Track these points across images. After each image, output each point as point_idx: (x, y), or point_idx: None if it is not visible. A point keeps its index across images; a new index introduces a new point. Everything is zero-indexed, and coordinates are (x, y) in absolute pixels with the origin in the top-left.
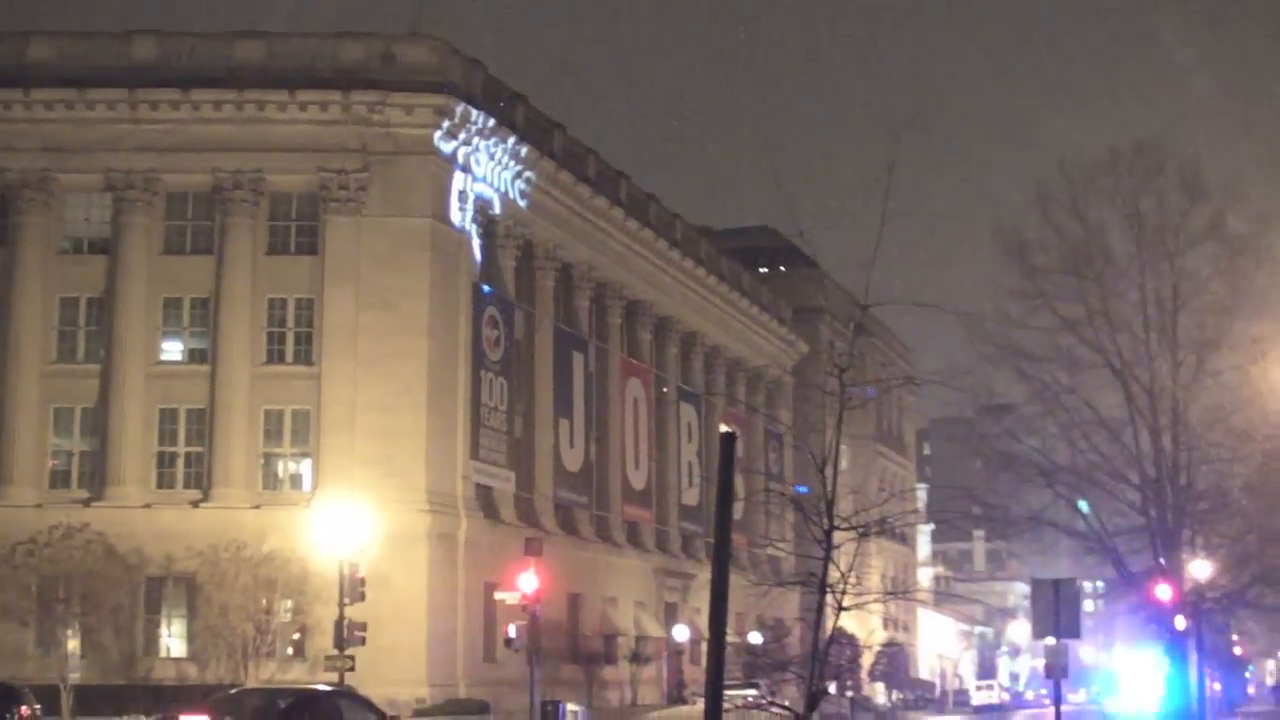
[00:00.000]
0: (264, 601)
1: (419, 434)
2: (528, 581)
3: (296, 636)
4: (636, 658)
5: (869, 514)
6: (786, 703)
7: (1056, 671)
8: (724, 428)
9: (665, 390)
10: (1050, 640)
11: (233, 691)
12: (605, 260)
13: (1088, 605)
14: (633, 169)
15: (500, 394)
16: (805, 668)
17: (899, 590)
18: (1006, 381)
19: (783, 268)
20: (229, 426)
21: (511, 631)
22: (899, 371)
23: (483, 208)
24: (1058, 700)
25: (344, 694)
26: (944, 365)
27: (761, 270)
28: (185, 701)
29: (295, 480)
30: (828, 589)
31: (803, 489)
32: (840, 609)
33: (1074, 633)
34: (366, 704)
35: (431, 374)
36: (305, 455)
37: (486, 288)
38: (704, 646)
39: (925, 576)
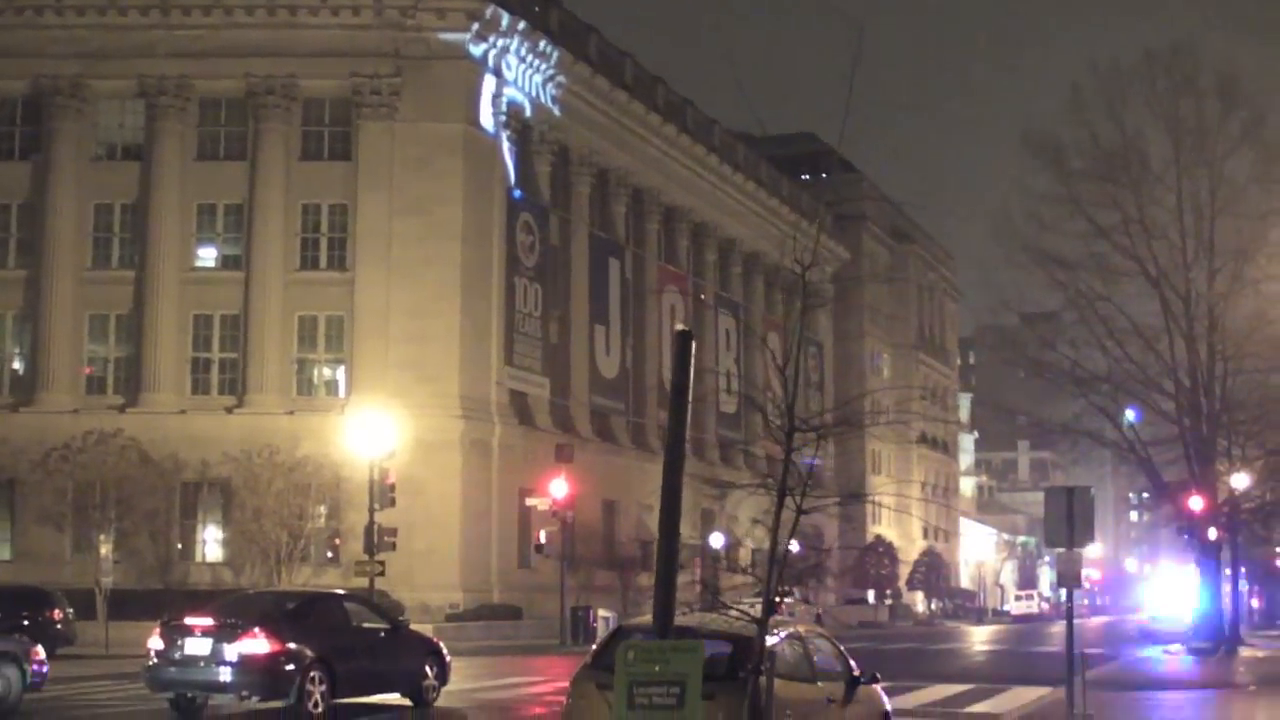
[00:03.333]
0: (298, 507)
1: (453, 340)
2: (559, 487)
3: (334, 542)
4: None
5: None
6: (786, 605)
7: (1069, 580)
8: (678, 327)
9: (703, 298)
10: (1062, 549)
11: (240, 595)
12: (641, 166)
13: (1132, 516)
14: (670, 74)
15: (535, 300)
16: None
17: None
18: (1040, 289)
19: (824, 174)
20: (263, 332)
21: (543, 537)
22: (940, 277)
23: (516, 113)
24: (1070, 612)
25: (352, 597)
26: (980, 273)
27: (803, 177)
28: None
29: (329, 386)
30: (788, 492)
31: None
32: (800, 512)
33: (1085, 542)
34: (375, 607)
35: (465, 280)
36: (339, 361)
37: (520, 194)
38: (742, 554)
39: (968, 485)
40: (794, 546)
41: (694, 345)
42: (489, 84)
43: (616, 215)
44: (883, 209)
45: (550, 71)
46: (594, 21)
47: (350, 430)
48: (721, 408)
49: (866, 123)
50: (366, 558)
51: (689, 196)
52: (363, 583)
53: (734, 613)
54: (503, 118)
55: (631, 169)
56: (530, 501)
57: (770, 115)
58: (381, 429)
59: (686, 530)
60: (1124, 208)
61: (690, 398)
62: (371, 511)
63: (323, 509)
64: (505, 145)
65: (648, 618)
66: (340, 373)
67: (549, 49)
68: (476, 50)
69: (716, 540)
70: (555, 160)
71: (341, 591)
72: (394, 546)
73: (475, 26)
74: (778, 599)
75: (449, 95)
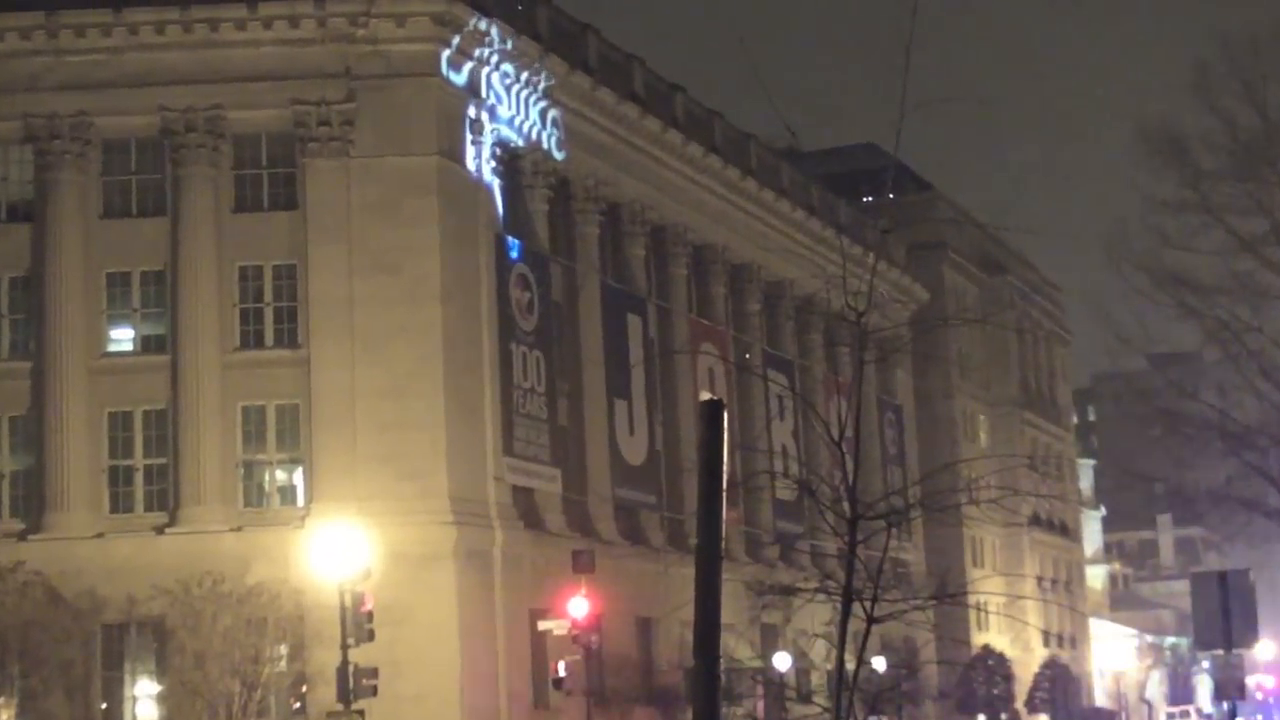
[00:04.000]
0: (251, 648)
1: (437, 427)
2: (579, 606)
3: (300, 689)
4: (728, 694)
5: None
6: None
7: (1230, 690)
8: (705, 395)
9: (748, 356)
10: (1219, 651)
11: None
12: (662, 197)
13: None
14: (691, 81)
15: (537, 372)
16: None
17: (1065, 598)
18: (1171, 323)
19: (891, 195)
20: (197, 430)
21: (562, 669)
22: (1045, 315)
23: (502, 140)
24: None
25: None
26: (1095, 307)
27: (865, 200)
28: None
29: (284, 493)
30: (853, 596)
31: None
32: (870, 620)
33: (1249, 640)
34: None
35: (449, 350)
36: (295, 461)
37: (513, 240)
38: (815, 678)
39: (1097, 576)
40: (878, 664)
41: (726, 416)
42: (466, 105)
43: (634, 260)
44: (967, 234)
45: (541, 84)
46: (592, 19)
47: (314, 547)
48: (778, 494)
49: (940, 126)
50: (341, 708)
51: (723, 231)
52: None
53: None
54: (485, 146)
55: (649, 201)
56: (544, 625)
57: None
58: (353, 543)
59: (744, 651)
60: (1272, 212)
61: (725, 482)
62: (345, 649)
63: (283, 649)
64: (490, 180)
65: None
66: (298, 475)
67: (538, 56)
68: (448, 64)
69: (782, 662)
70: (554, 196)
71: None
72: (375, 691)
73: (444, 34)
74: None
75: (416, 122)
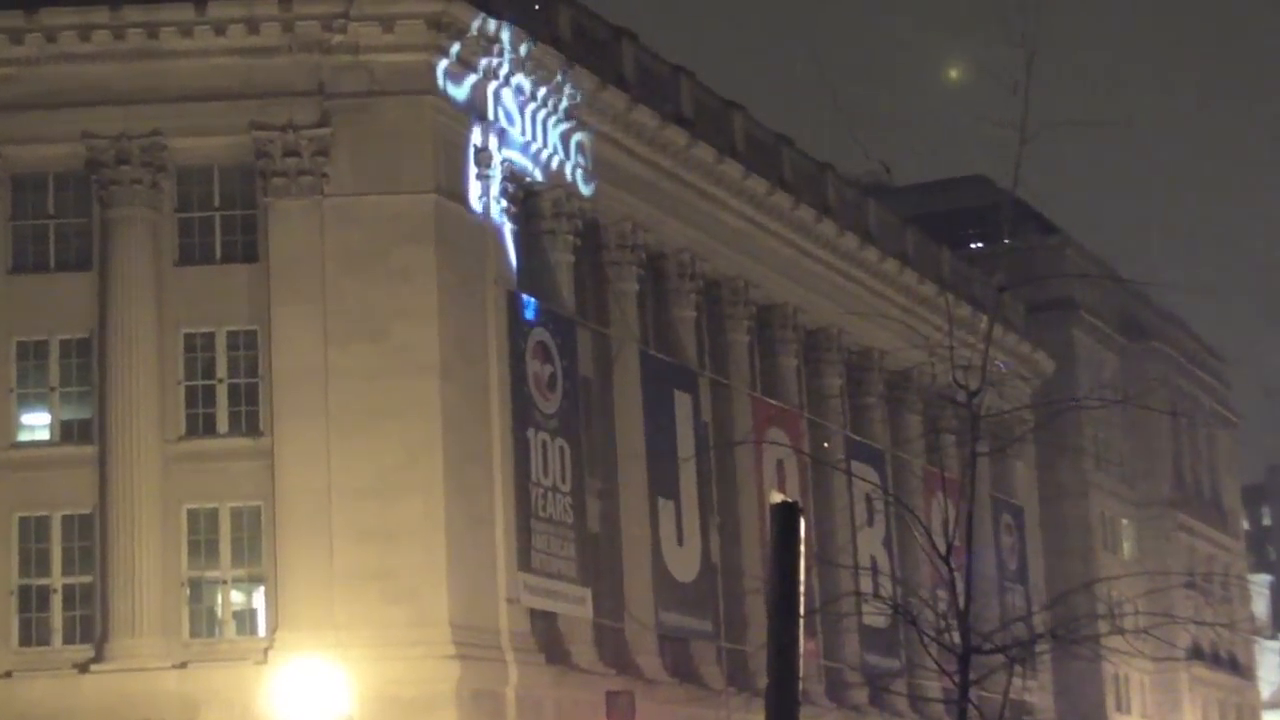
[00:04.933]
0: None
1: (434, 535)
2: None
3: None
4: None
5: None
6: None
7: None
8: (775, 497)
9: (827, 445)
10: None
11: None
12: (717, 245)
13: None
14: (750, 100)
15: (561, 465)
16: None
17: None
18: None
19: (1008, 240)
20: (132, 541)
21: None
22: (1204, 391)
23: (515, 174)
24: None
25: None
26: (1272, 383)
27: (974, 246)
28: None
29: (242, 620)
30: None
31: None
32: None
33: None
34: None
35: (450, 439)
36: (255, 580)
37: (529, 299)
38: None
39: None
40: None
41: (802, 522)
42: (469, 129)
43: (682, 324)
44: (1104, 291)
45: (564, 103)
46: (628, 23)
47: (279, 689)
48: (867, 621)
49: (1068, 155)
50: None
51: (794, 288)
52: None
53: None
54: (494, 181)
55: (700, 249)
56: None
57: (913, 153)
58: (329, 684)
59: None
60: None
61: (801, 605)
62: None
63: None
64: (501, 224)
65: None
66: (259, 597)
67: (559, 67)
68: (446, 77)
69: None
70: (581, 243)
71: None
72: None
73: (441, 41)
74: None
75: (407, 151)
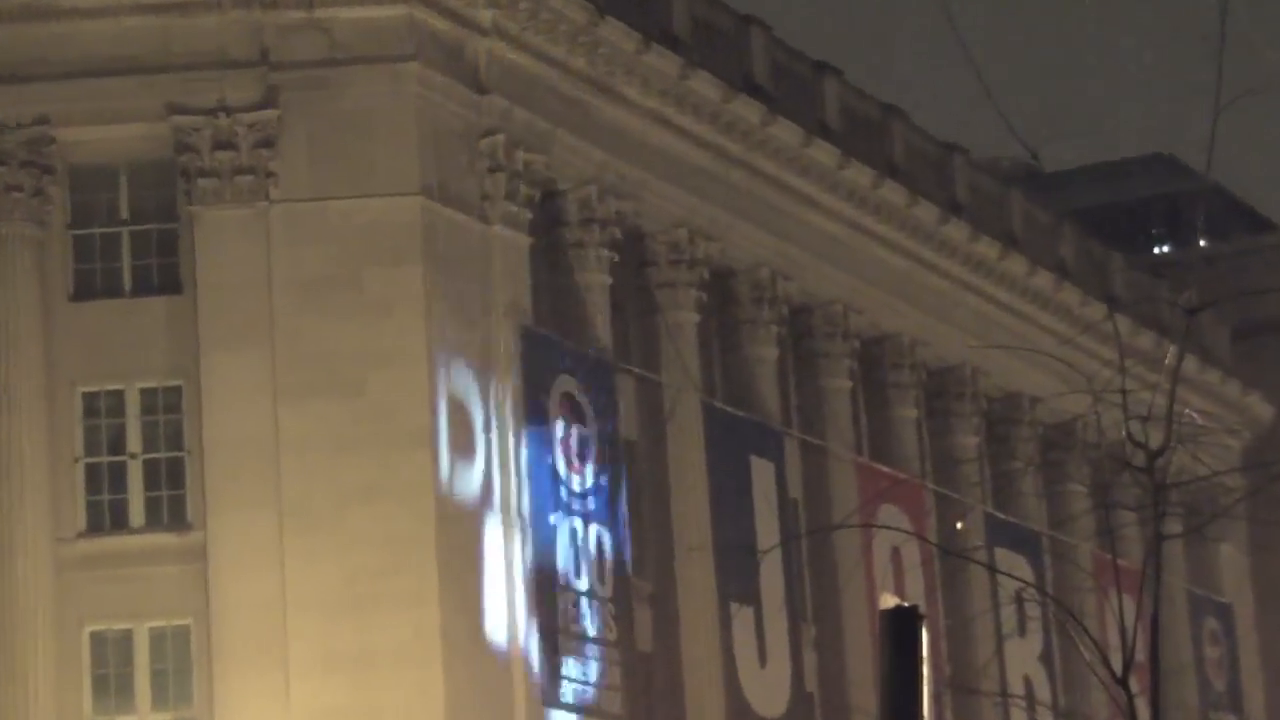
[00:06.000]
0: None
1: (427, 661)
2: None
3: None
4: None
5: None
6: None
7: None
8: (888, 601)
9: (960, 527)
10: None
11: None
12: (803, 256)
13: None
14: (842, 56)
15: (599, 562)
16: None
17: None
18: None
19: (1203, 242)
20: (13, 675)
21: None
22: None
23: (531, 166)
24: None
25: None
26: None
27: (1157, 250)
28: None
29: None
30: None
31: None
32: None
33: None
34: None
35: (446, 530)
36: None
37: (551, 337)
38: None
39: None
40: None
41: (926, 633)
42: (467, 109)
43: (760, 367)
44: None
45: (596, 70)
46: None
47: None
48: None
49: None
50: None
51: (911, 313)
52: None
53: None
54: (502, 178)
55: (781, 264)
56: None
57: (1068, 131)
58: None
59: None
60: None
61: None
62: None
63: None
64: (511, 235)
65: None
66: None
67: (586, 21)
68: (433, 41)
69: None
70: (621, 261)
71: None
72: None
73: None
74: None
75: (384, 139)
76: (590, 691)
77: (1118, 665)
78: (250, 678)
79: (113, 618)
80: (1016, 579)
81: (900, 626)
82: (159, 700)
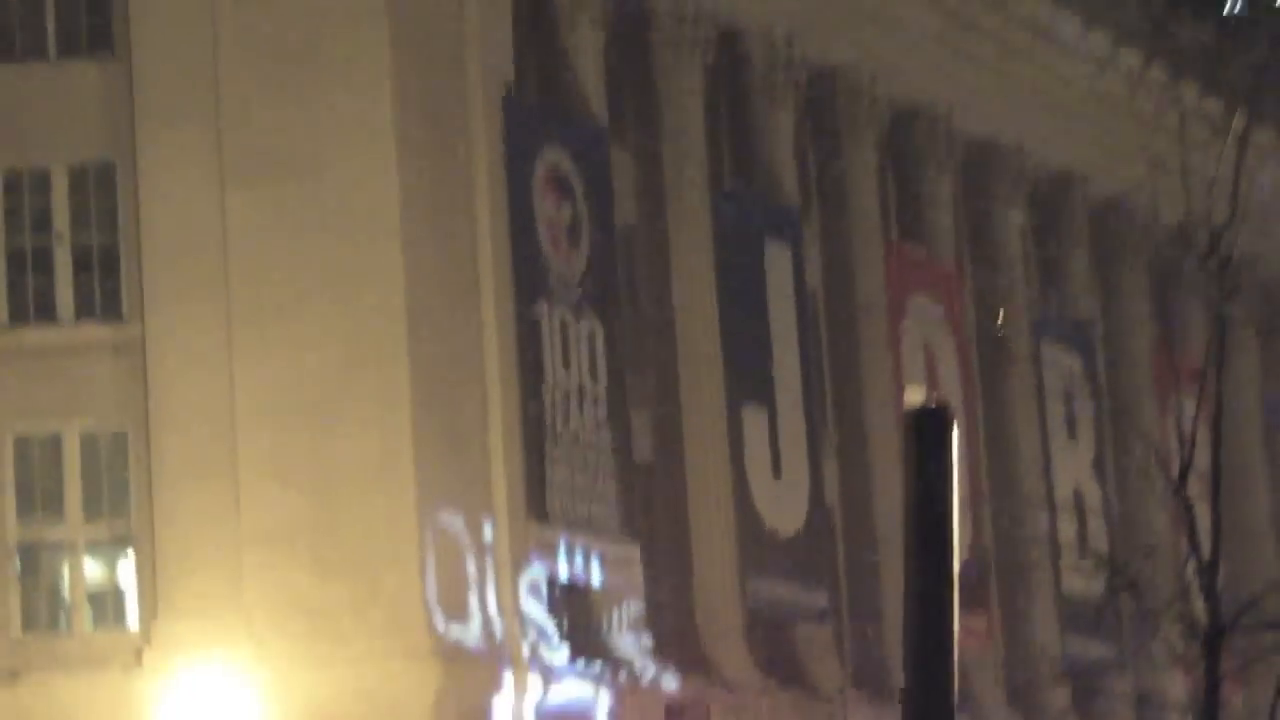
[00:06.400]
0: None
1: (396, 472)
2: None
3: None
4: None
5: None
6: None
7: None
8: (915, 396)
9: (1001, 318)
10: None
11: None
12: (825, 14)
13: None
14: None
15: (591, 358)
16: None
17: None
18: None
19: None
20: None
21: None
22: None
23: None
24: None
25: None
26: None
27: (1230, 10)
28: None
29: (101, 606)
30: None
31: None
32: None
33: None
34: None
35: (419, 323)
36: (121, 545)
37: (536, 102)
38: None
39: None
40: None
41: (956, 436)
42: None
43: (775, 137)
44: None
45: None
46: None
47: (159, 707)
48: (1067, 588)
49: None
50: None
51: (944, 79)
52: None
53: None
54: None
55: (800, 22)
56: None
57: None
58: (232, 699)
59: None
60: None
61: (955, 563)
62: None
63: None
64: None
65: None
66: (126, 571)
67: None
68: None
69: None
70: (616, 15)
71: None
72: None
73: None
74: None
75: None
76: (581, 504)
77: (1176, 473)
78: (194, 492)
79: (39, 420)
80: (1064, 372)
81: (929, 427)
82: (92, 513)
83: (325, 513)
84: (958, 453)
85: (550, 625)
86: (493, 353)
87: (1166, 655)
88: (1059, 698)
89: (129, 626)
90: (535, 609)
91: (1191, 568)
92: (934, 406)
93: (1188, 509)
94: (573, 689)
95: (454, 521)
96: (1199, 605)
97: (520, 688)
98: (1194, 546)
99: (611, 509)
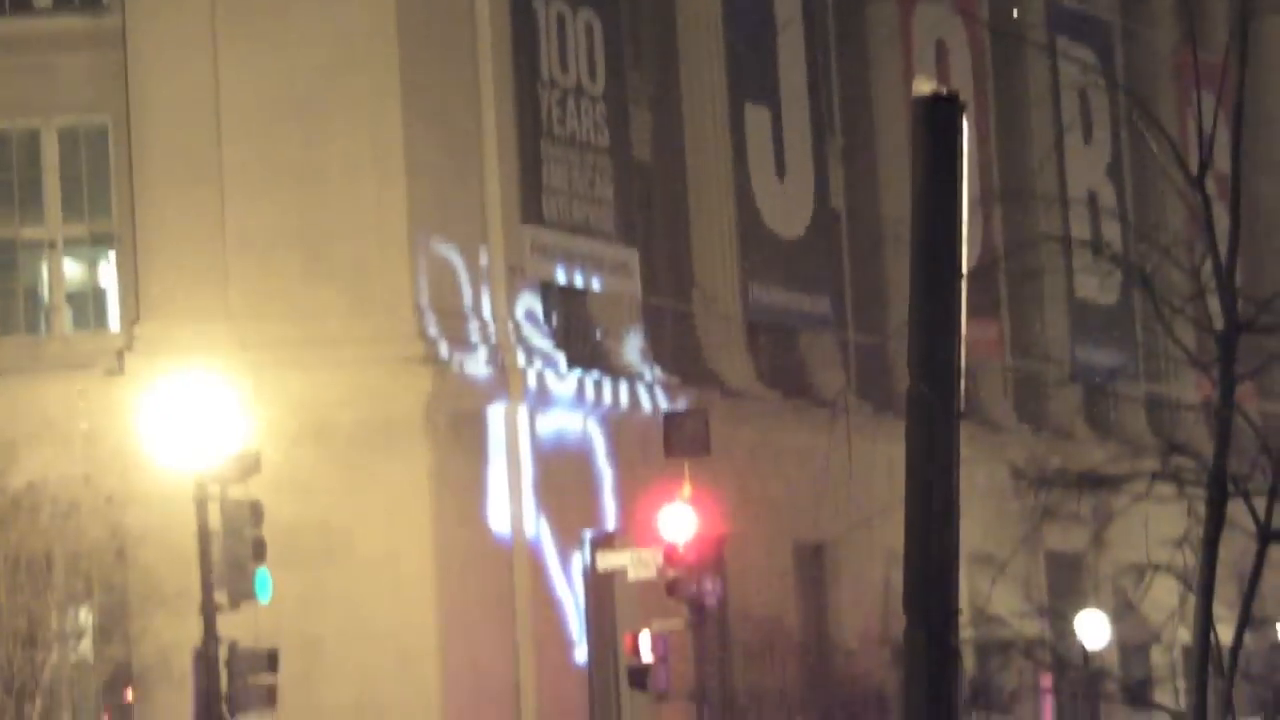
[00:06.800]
0: (21, 609)
1: (387, 169)
2: (679, 520)
3: (118, 686)
4: (982, 690)
5: None
6: None
7: None
8: (923, 86)
9: (1015, 11)
10: None
11: None
12: None
13: None
14: None
15: (589, 53)
16: None
17: None
18: None
19: None
20: None
21: (646, 649)
22: None
23: None
24: None
25: None
26: None
27: None
28: None
29: (82, 307)
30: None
31: None
32: (1265, 534)
33: None
34: None
35: (408, 13)
36: (101, 243)
37: None
38: (1154, 655)
39: None
40: None
41: (966, 129)
42: None
43: None
44: None
45: None
46: None
47: (141, 410)
48: (1079, 292)
49: None
50: None
51: None
52: None
53: None
54: None
55: None
56: (609, 561)
57: None
58: (223, 404)
59: (1009, 604)
60: None
61: (963, 264)
62: (209, 614)
63: (85, 613)
64: None
65: None
66: (107, 271)
67: None
68: None
69: (1095, 627)
70: None
71: None
72: (272, 699)
73: None
74: None
75: None
76: (578, 206)
77: (1195, 167)
78: (178, 191)
79: (15, 115)
80: (1078, 68)
81: (938, 117)
82: (71, 211)
83: (313, 216)
84: (968, 147)
85: (545, 330)
86: (486, 49)
87: (1180, 358)
88: (1068, 404)
89: (110, 329)
90: (530, 314)
91: (1208, 267)
92: (944, 94)
93: (1205, 205)
94: (568, 396)
95: (446, 225)
96: (1215, 304)
97: (514, 394)
98: (1211, 245)
99: (608, 212)
